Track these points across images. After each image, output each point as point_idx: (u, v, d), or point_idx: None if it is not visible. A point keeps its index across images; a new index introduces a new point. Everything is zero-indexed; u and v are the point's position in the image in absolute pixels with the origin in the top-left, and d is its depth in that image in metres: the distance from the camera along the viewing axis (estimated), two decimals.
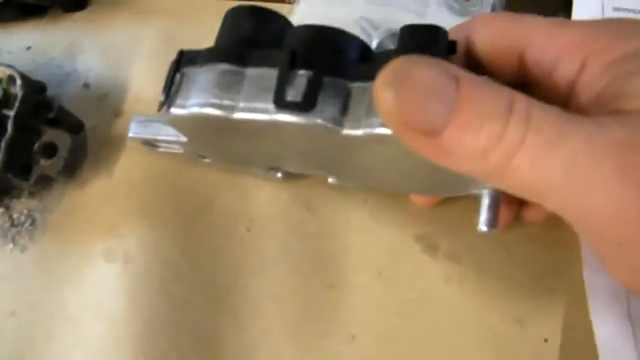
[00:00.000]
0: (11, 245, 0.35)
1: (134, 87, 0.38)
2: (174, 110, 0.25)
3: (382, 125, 0.22)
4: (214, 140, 0.28)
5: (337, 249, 0.32)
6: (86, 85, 0.39)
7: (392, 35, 0.36)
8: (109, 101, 0.38)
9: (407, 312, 0.31)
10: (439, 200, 0.32)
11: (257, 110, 0.24)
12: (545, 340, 0.30)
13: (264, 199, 0.34)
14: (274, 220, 0.33)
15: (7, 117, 0.34)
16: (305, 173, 0.33)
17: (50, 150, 0.34)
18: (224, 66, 0.24)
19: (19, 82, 0.34)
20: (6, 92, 0.35)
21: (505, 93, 0.19)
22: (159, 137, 0.31)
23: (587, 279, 0.30)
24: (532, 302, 0.31)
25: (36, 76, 0.37)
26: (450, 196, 0.31)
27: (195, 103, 0.24)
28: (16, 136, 0.33)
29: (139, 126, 0.31)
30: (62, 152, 0.34)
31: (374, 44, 0.36)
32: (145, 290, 0.32)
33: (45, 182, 0.35)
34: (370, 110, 0.23)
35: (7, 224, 0.35)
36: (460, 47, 0.25)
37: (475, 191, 0.27)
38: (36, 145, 0.34)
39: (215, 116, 0.24)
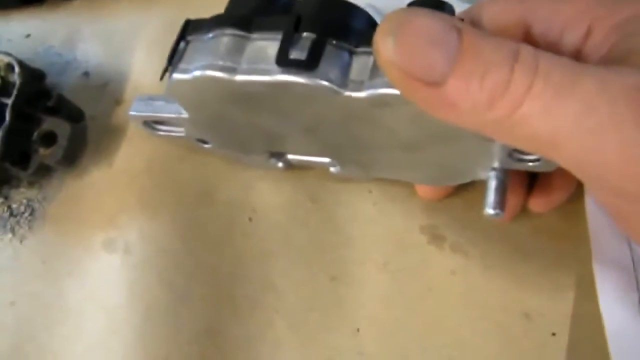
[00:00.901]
0: (10, 235, 0.34)
1: (135, 75, 0.38)
2: (176, 75, 0.25)
3: (386, 85, 0.22)
4: (215, 115, 0.28)
5: (341, 241, 0.32)
6: (86, 74, 0.38)
7: None
8: (109, 90, 0.37)
9: (412, 304, 0.30)
10: (446, 193, 0.31)
11: (259, 72, 0.23)
12: (553, 334, 0.29)
13: (266, 189, 0.33)
14: (276, 211, 0.32)
15: (5, 105, 0.33)
16: (305, 164, 0.32)
17: (49, 139, 0.34)
18: (229, 31, 0.24)
19: (17, 69, 0.34)
20: (4, 80, 0.34)
21: (510, 42, 0.18)
22: (159, 115, 0.30)
23: (596, 270, 0.29)
24: (540, 295, 0.30)
25: (36, 64, 0.36)
26: (455, 184, 0.30)
27: (198, 66, 0.24)
28: (14, 125, 0.33)
29: (141, 105, 0.30)
30: (62, 141, 0.33)
31: None
32: (146, 281, 0.31)
33: (45, 171, 0.35)
34: (374, 73, 0.23)
35: (6, 214, 0.35)
36: None
37: (481, 175, 0.26)
38: (35, 134, 0.34)
39: (216, 78, 0.24)
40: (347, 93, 0.23)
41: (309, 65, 0.22)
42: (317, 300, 0.31)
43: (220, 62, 0.24)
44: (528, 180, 0.29)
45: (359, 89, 0.23)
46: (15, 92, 0.33)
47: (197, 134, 0.31)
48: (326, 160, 0.31)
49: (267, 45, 0.24)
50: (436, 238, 0.31)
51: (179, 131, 0.31)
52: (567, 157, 0.19)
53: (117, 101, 0.37)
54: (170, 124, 0.31)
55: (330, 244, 0.32)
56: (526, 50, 0.18)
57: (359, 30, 0.24)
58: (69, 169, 0.35)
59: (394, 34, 0.18)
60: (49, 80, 0.37)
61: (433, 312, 0.30)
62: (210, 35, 0.25)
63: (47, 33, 0.40)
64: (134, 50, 0.38)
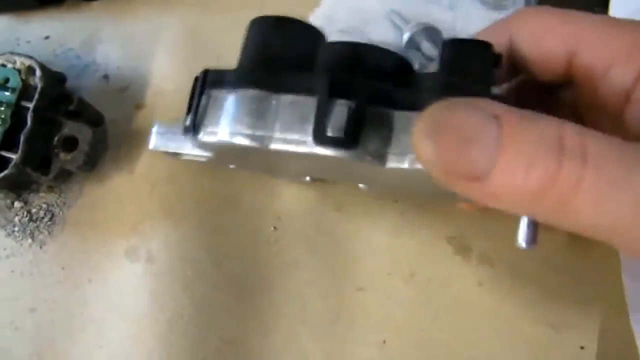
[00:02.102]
0: (30, 241, 0.34)
1: (156, 79, 0.37)
2: (203, 138, 0.23)
3: None
4: (243, 157, 0.27)
5: (367, 251, 0.31)
6: (106, 77, 0.38)
7: (423, 29, 0.35)
8: (129, 94, 0.37)
9: (439, 316, 0.30)
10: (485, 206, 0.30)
11: (294, 142, 0.22)
12: (582, 348, 0.29)
13: (291, 198, 0.33)
14: (301, 220, 0.32)
15: (26, 109, 0.33)
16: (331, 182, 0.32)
17: (70, 143, 0.33)
18: (255, 92, 0.22)
19: (38, 73, 0.33)
20: (25, 83, 0.34)
21: (553, 127, 0.17)
22: (182, 152, 0.29)
23: (626, 286, 0.29)
24: (568, 308, 0.30)
25: (55, 67, 0.36)
26: None
27: (226, 132, 0.23)
28: (35, 129, 0.32)
29: (160, 138, 0.29)
30: (83, 146, 0.33)
31: (404, 38, 0.35)
32: (169, 290, 0.31)
33: (65, 176, 0.35)
34: None
35: (26, 219, 0.34)
36: (502, 45, 0.24)
37: None
38: (56, 139, 0.33)
39: (248, 147, 0.23)
40: (389, 165, 0.22)
41: (348, 143, 0.21)
42: (343, 311, 0.30)
43: (250, 131, 0.22)
44: None
45: (400, 160, 0.21)
46: (36, 95, 0.33)
47: (224, 164, 0.31)
48: None
49: (299, 111, 0.22)
50: (463, 249, 0.31)
51: (204, 156, 0.30)
52: (625, 246, 0.18)
53: (138, 105, 0.36)
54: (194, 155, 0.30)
55: (356, 254, 0.31)
56: (571, 136, 0.17)
57: (394, 83, 0.23)
58: (89, 174, 0.34)
59: (431, 136, 0.18)
60: (68, 83, 0.37)
61: (460, 323, 0.30)
62: (234, 94, 0.23)
63: (66, 35, 0.39)
64: (154, 53, 0.38)
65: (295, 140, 0.22)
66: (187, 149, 0.28)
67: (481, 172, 0.17)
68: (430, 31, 0.35)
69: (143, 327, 0.31)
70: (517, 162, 0.17)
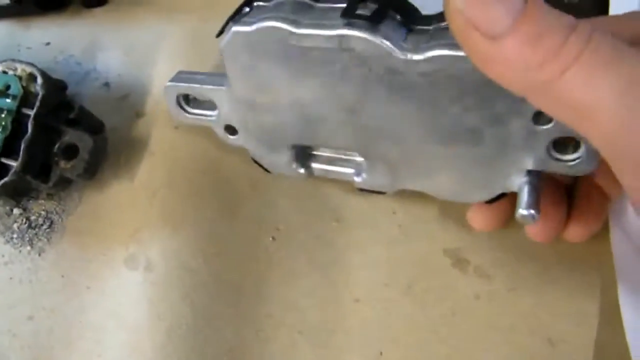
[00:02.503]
0: (29, 248, 0.34)
1: (156, 87, 0.37)
2: (237, 27, 0.26)
3: (441, 47, 0.23)
4: (259, 85, 0.28)
5: (365, 262, 0.31)
6: (106, 85, 0.38)
7: None
8: (129, 102, 0.37)
9: (436, 328, 0.30)
10: (498, 224, 0.30)
11: (322, 26, 0.24)
12: None
13: (290, 207, 0.33)
14: (300, 230, 0.32)
15: (27, 116, 0.33)
16: (329, 174, 0.31)
17: (70, 151, 0.33)
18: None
19: (39, 80, 0.34)
20: (26, 91, 0.34)
21: (571, 17, 0.19)
22: (199, 86, 0.30)
23: (621, 299, 0.29)
24: (564, 321, 0.30)
25: (56, 73, 0.36)
26: (488, 200, 0.29)
27: (261, 18, 0.25)
28: (36, 137, 0.33)
29: (181, 76, 0.31)
30: (84, 154, 0.33)
31: None
32: (168, 299, 0.31)
33: (64, 183, 0.35)
34: (431, 40, 0.24)
35: (25, 226, 0.35)
36: None
37: (514, 185, 0.26)
38: (56, 147, 0.33)
39: (278, 29, 0.25)
40: (404, 54, 0.24)
41: (373, 20, 0.23)
42: (341, 322, 0.30)
43: (284, 15, 0.25)
44: (566, 206, 0.29)
45: (415, 51, 0.24)
46: (37, 103, 0.33)
47: (230, 116, 0.31)
48: (350, 170, 0.30)
49: (333, 10, 0.25)
50: (460, 261, 0.31)
51: (210, 115, 0.32)
52: (602, 132, 0.19)
53: (138, 113, 0.37)
54: (204, 106, 0.32)
55: (354, 265, 0.31)
56: (583, 24, 0.19)
57: (414, 15, 0.25)
58: (89, 182, 0.35)
59: None
60: (69, 90, 0.37)
61: (457, 336, 0.30)
62: (277, 0, 0.26)
63: (67, 41, 0.40)
64: (155, 61, 0.38)
65: (323, 24, 0.24)
66: (201, 86, 0.30)
67: (499, 31, 0.19)
68: None
69: (142, 335, 0.31)
70: (531, 31, 0.19)
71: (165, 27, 0.39)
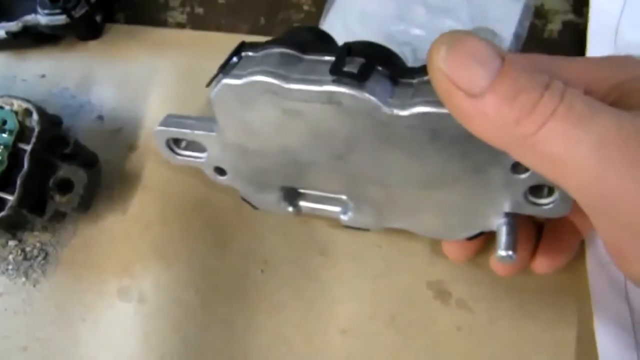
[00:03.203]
0: (24, 279, 0.35)
1: (149, 121, 0.38)
2: (227, 80, 0.26)
3: (426, 105, 0.24)
4: (248, 131, 0.29)
5: (350, 294, 0.32)
6: (100, 118, 0.39)
7: None
8: (123, 135, 0.38)
9: (419, 359, 0.31)
10: (470, 254, 0.32)
11: (311, 82, 0.25)
12: None
13: (278, 241, 0.34)
14: (287, 264, 0.33)
15: (23, 150, 0.34)
16: (316, 212, 0.32)
17: (65, 186, 0.34)
18: (284, 49, 0.26)
19: (35, 116, 0.34)
20: (22, 126, 0.35)
21: (545, 75, 0.21)
22: (188, 131, 0.31)
23: (597, 329, 0.30)
24: (543, 351, 0.31)
25: (50, 106, 0.37)
26: (467, 237, 0.31)
27: (251, 72, 0.26)
28: (32, 172, 0.33)
29: (170, 120, 0.31)
30: (78, 189, 0.34)
31: None
32: (160, 331, 0.32)
33: (59, 217, 0.36)
34: (415, 95, 0.25)
35: (20, 257, 0.35)
36: None
37: (493, 224, 0.28)
38: (51, 181, 0.34)
39: (268, 84, 0.25)
40: (390, 110, 0.24)
41: (359, 77, 0.24)
42: (327, 353, 0.31)
43: (272, 69, 0.25)
44: (535, 239, 0.30)
45: (401, 107, 0.24)
46: (33, 139, 0.34)
47: (220, 159, 0.32)
48: (337, 209, 0.32)
49: (320, 63, 0.26)
50: (442, 293, 0.32)
51: (200, 157, 0.32)
52: (578, 184, 0.20)
53: (131, 147, 0.38)
54: (194, 147, 0.32)
55: (340, 298, 0.32)
56: (556, 83, 0.20)
57: (399, 67, 0.26)
58: (83, 214, 0.36)
59: (448, 45, 0.21)
60: (64, 122, 0.38)
61: None
62: (265, 52, 0.27)
63: (61, 74, 0.40)
64: (147, 94, 0.39)
65: (312, 79, 0.25)
66: (191, 131, 0.30)
67: (479, 90, 0.21)
68: None
69: None
70: (509, 88, 0.20)
71: (157, 61, 0.40)
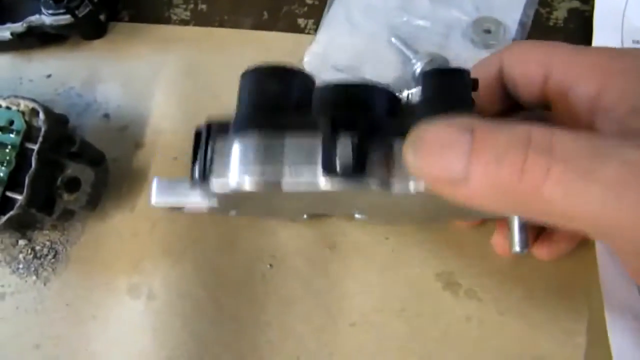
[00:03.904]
0: (34, 278, 0.35)
1: (154, 118, 0.38)
2: (217, 181, 0.24)
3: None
4: (248, 202, 0.28)
5: (359, 288, 0.32)
6: (106, 116, 0.39)
7: (432, 59, 0.37)
8: (129, 133, 0.38)
9: (429, 350, 0.31)
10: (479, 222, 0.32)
11: (305, 184, 0.23)
12: None
13: (286, 236, 0.34)
14: (296, 258, 0.33)
15: (31, 150, 0.34)
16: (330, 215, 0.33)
17: (73, 184, 0.35)
18: (260, 136, 0.23)
19: (42, 116, 0.35)
20: (29, 125, 0.35)
21: (521, 128, 0.19)
22: (185, 202, 0.28)
23: (608, 317, 0.30)
24: (552, 341, 0.31)
25: (57, 105, 0.37)
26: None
27: (236, 180, 0.23)
28: (39, 171, 0.34)
29: (162, 193, 0.28)
30: (86, 187, 0.34)
31: (415, 68, 0.37)
32: (169, 327, 0.32)
33: (68, 215, 0.36)
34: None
35: (30, 256, 0.36)
36: (494, 74, 0.27)
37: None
38: (59, 180, 0.34)
39: (259, 189, 0.23)
40: (395, 191, 0.23)
41: (356, 171, 0.22)
42: (337, 346, 0.31)
43: (261, 177, 0.23)
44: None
45: (404, 187, 0.23)
46: (40, 139, 0.34)
47: (226, 209, 0.30)
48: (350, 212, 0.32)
49: (305, 149, 0.23)
50: (451, 284, 0.32)
51: (205, 207, 0.30)
52: (595, 233, 0.20)
53: (137, 144, 0.38)
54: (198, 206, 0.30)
55: (349, 291, 0.32)
56: (538, 132, 0.19)
57: (386, 114, 0.25)
58: (91, 212, 0.36)
59: (413, 147, 0.21)
60: (70, 121, 0.38)
61: (449, 357, 0.31)
62: (239, 138, 0.23)
63: (67, 74, 0.41)
64: (153, 92, 0.39)
65: (305, 181, 0.23)
66: (191, 199, 0.28)
67: (459, 175, 0.19)
68: (440, 61, 0.37)
69: None
70: (488, 161, 0.19)
71: (162, 58, 0.40)
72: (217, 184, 0.24)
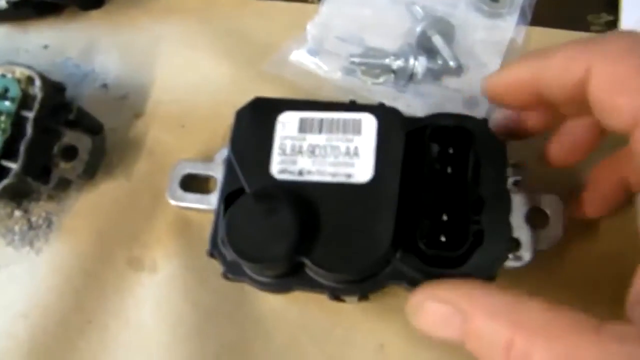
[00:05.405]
0: (28, 248, 0.34)
1: (154, 88, 0.37)
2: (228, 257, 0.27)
3: None
4: None
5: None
6: (104, 86, 0.38)
7: (435, 21, 0.36)
8: (128, 102, 0.37)
9: None
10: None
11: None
12: None
13: None
14: None
15: (26, 118, 0.33)
16: None
17: (69, 152, 0.34)
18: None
19: (38, 83, 0.34)
20: (25, 93, 0.34)
21: (507, 330, 0.20)
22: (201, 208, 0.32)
23: None
24: None
25: (54, 76, 0.36)
26: None
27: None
28: (35, 139, 0.33)
29: (178, 197, 0.32)
30: (83, 155, 0.33)
31: (417, 31, 0.36)
32: (171, 298, 0.31)
33: (64, 184, 0.35)
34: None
35: (26, 227, 0.35)
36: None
37: None
38: (55, 148, 0.34)
39: None
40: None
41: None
42: (340, 312, 0.31)
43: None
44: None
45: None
46: (37, 105, 0.33)
47: None
48: None
49: None
50: None
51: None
52: None
53: (137, 114, 0.37)
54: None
55: None
56: (520, 342, 0.19)
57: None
58: (88, 182, 0.35)
59: (414, 315, 0.23)
60: (68, 92, 0.37)
61: None
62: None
63: (64, 44, 0.40)
64: (153, 62, 0.38)
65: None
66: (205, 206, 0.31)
67: (457, 341, 0.22)
68: (443, 24, 0.36)
69: (145, 334, 0.31)
70: (476, 349, 0.21)
71: (161, 29, 0.39)
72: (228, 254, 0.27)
